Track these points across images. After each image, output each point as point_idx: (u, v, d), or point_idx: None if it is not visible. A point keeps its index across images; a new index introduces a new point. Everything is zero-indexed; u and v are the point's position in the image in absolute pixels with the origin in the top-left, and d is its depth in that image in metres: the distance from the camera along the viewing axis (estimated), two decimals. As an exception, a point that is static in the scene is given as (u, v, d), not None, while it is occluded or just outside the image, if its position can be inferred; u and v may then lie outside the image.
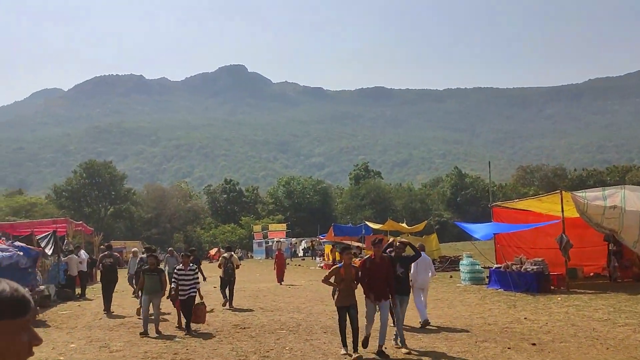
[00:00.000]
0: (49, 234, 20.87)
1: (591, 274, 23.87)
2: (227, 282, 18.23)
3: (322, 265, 40.68)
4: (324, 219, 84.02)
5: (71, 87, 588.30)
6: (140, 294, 13.93)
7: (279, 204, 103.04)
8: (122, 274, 20.99)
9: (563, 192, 20.05)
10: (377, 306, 10.26)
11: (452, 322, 13.55)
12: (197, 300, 13.30)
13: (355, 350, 9.95)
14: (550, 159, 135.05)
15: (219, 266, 18.89)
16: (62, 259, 21.96)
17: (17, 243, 16.90)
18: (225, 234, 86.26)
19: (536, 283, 19.45)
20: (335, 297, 10.49)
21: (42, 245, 19.46)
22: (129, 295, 21.65)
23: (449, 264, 33.13)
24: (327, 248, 42.47)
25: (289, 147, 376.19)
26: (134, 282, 18.54)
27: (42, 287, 17.02)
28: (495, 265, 22.10)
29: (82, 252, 22.58)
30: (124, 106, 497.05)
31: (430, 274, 14.44)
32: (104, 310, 16.94)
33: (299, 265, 46.75)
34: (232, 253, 19.47)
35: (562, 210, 19.79)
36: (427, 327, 12.84)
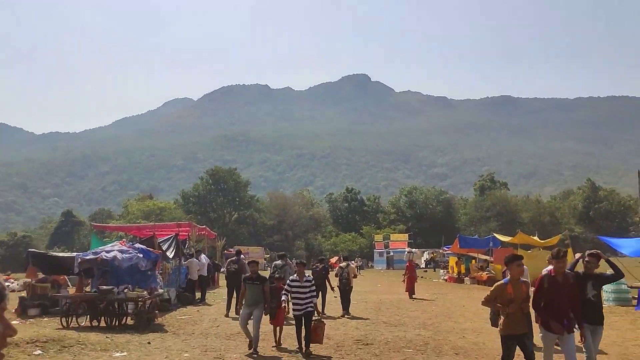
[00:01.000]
0: (170, 237, 20.86)
1: None
2: (343, 291, 18.30)
3: (446, 277, 38.93)
4: (447, 230, 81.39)
5: (200, 96, 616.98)
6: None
7: (400, 213, 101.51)
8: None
9: None
10: (558, 339, 8.00)
11: (604, 348, 11.78)
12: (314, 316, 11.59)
13: None
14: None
15: (335, 275, 19.03)
16: (183, 262, 21.96)
17: (138, 245, 16.87)
18: (346, 243, 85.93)
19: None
20: (501, 323, 7.95)
21: (164, 248, 19.42)
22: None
23: (588, 282, 30.41)
24: (452, 260, 40.59)
25: (411, 157, 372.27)
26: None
27: (161, 290, 16.81)
28: (647, 286, 19.67)
29: (203, 256, 22.50)
30: (250, 115, 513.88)
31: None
32: (225, 314, 17.31)
33: (422, 277, 45.17)
34: (349, 263, 19.61)
35: None
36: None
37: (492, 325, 8.89)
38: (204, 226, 35.76)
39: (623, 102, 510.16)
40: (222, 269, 32.95)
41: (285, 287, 11.68)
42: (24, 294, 18.87)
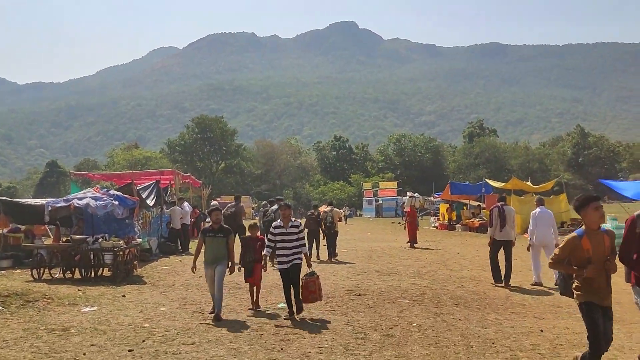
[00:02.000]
0: (151, 184, 19.69)
1: None
2: (328, 235, 18.61)
3: (436, 225, 38.26)
4: (436, 178, 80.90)
5: (186, 45, 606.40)
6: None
7: (389, 161, 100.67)
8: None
9: None
10: None
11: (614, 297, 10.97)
12: (305, 270, 9.62)
13: None
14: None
15: (321, 221, 18.78)
16: (165, 210, 20.96)
17: (113, 192, 15.75)
18: (335, 191, 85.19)
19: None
20: (575, 288, 5.96)
21: (144, 195, 18.31)
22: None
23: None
24: (443, 207, 39.86)
25: (399, 105, 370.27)
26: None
27: (139, 239, 15.80)
28: (648, 231, 18.91)
29: (186, 204, 21.41)
30: (237, 64, 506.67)
31: (552, 231, 12.90)
32: None
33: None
34: (333, 207, 19.67)
35: None
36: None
37: (561, 294, 6.30)
38: (188, 174, 34.63)
39: (612, 49, 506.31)
40: (207, 219, 32.07)
41: (269, 236, 9.60)
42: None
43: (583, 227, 5.94)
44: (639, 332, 8.19)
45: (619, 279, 6.96)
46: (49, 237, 20.39)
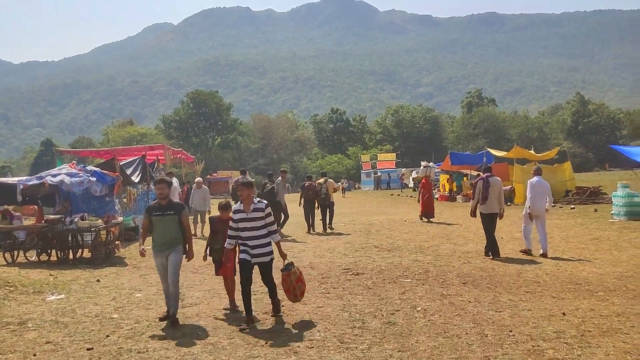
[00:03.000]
0: (135, 160, 18.54)
1: None
2: (323, 206, 18.43)
3: (437, 196, 37.23)
4: (435, 149, 79.87)
5: (180, 20, 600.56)
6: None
7: (387, 133, 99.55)
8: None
9: None
10: None
11: (635, 271, 9.99)
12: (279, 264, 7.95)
13: None
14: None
15: (316, 193, 18.52)
16: (152, 187, 19.88)
17: (90, 168, 14.65)
18: (332, 164, 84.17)
19: None
20: None
21: (129, 172, 17.23)
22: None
23: (588, 196, 28.86)
24: (443, 178, 38.86)
25: (396, 77, 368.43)
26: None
27: (120, 218, 14.71)
28: (662, 198, 17.93)
29: (174, 180, 20.30)
30: (232, 39, 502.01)
31: (547, 201, 12.59)
32: None
33: (411, 196, 43.64)
34: (327, 178, 19.32)
35: None
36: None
37: None
38: (180, 149, 33.45)
39: (609, 16, 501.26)
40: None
41: (230, 223, 7.54)
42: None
43: None
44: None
45: None
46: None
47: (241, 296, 7.31)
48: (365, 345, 6.06)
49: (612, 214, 20.34)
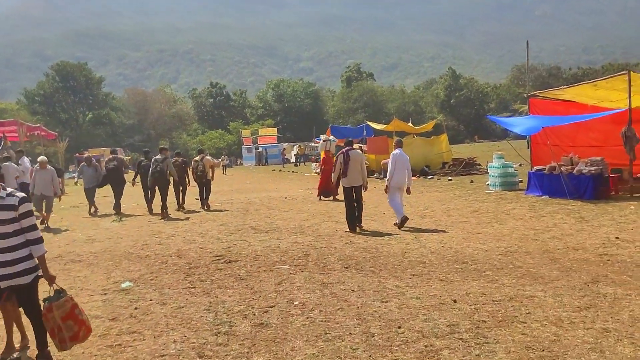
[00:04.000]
0: (-24, 137, 16.41)
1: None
2: (200, 184, 18.25)
3: (318, 171, 36.74)
4: (316, 122, 79.78)
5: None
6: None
7: (268, 108, 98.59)
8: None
9: (632, 73, 15.72)
10: None
11: (519, 245, 9.63)
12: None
13: None
14: (537, 61, 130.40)
15: (193, 171, 18.49)
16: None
17: None
18: (213, 140, 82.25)
19: (592, 188, 15.59)
20: None
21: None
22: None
23: (464, 167, 29.35)
24: (324, 152, 38.37)
25: (277, 52, 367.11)
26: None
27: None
28: (536, 168, 18.11)
29: (25, 160, 18.12)
30: (104, 8, 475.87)
31: (407, 173, 12.52)
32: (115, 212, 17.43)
33: (292, 172, 43.01)
34: (204, 155, 18.88)
35: (630, 96, 15.68)
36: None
37: None
38: (38, 125, 30.67)
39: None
40: (71, 175, 28.68)
41: None
42: None
43: None
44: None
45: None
46: None
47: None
48: (230, 358, 5.04)
49: (487, 184, 20.51)
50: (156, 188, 16.88)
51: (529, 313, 5.89)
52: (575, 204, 14.64)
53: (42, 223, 13.60)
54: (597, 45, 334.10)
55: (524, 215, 13.31)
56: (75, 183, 27.48)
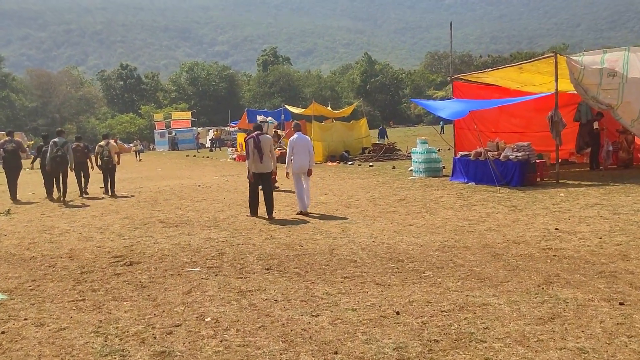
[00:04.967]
0: None
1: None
2: (106, 170, 17.57)
3: (234, 156, 35.38)
4: (231, 107, 78.03)
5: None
6: None
7: (182, 91, 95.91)
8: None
9: (559, 56, 15.29)
10: None
11: (456, 239, 8.78)
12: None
13: None
14: (449, 48, 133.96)
15: (96, 155, 17.87)
16: None
17: None
18: (124, 125, 79.02)
19: (519, 174, 15.12)
20: None
21: None
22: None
23: (384, 153, 28.76)
24: (240, 137, 36.98)
25: (192, 35, 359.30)
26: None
27: None
28: (461, 153, 17.53)
29: None
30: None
31: (309, 157, 12.11)
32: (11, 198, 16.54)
33: (207, 157, 41.40)
34: (109, 140, 18.16)
35: (556, 80, 15.25)
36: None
37: None
38: None
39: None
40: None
41: None
42: None
43: None
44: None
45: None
46: None
47: None
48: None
49: (411, 170, 19.88)
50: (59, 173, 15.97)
51: (487, 328, 4.96)
52: (504, 191, 14.08)
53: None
54: (504, 35, 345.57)
55: (454, 204, 12.58)
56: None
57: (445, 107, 16.88)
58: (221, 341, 4.87)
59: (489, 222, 10.12)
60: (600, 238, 8.40)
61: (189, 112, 71.32)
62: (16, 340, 5.09)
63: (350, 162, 26.91)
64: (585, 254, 7.50)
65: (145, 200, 15.51)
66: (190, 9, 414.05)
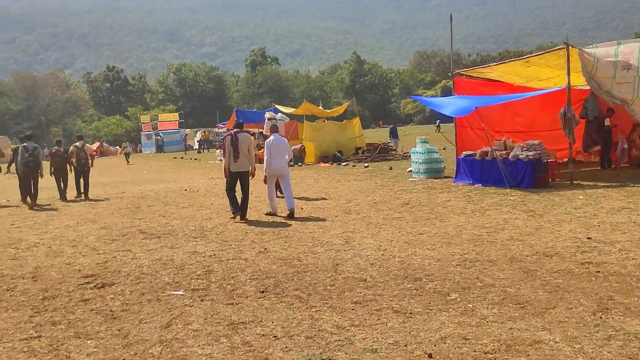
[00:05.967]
0: None
1: (565, 160, 18.31)
2: (81, 172, 17.17)
3: (222, 158, 34.19)
4: (220, 108, 76.86)
5: None
6: None
7: (169, 93, 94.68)
8: None
9: (571, 48, 14.21)
10: None
11: (477, 251, 7.66)
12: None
13: None
14: (436, 47, 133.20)
15: (71, 156, 17.17)
16: None
17: None
18: (111, 127, 77.67)
19: (531, 175, 14.04)
20: None
21: None
22: None
23: (379, 153, 27.68)
24: (229, 138, 35.81)
25: (179, 37, 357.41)
26: None
27: None
28: (465, 153, 16.43)
29: None
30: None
31: (287, 157, 12.05)
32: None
33: (195, 159, 40.16)
34: (84, 142, 17.70)
35: (569, 74, 14.20)
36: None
37: None
38: None
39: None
40: None
41: None
42: None
43: None
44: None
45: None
46: None
47: None
48: None
49: (410, 171, 18.82)
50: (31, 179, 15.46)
51: (551, 378, 3.85)
52: (515, 194, 13.02)
53: None
54: (490, 35, 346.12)
55: (464, 208, 11.48)
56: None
57: (449, 104, 15.76)
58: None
59: (508, 230, 9.02)
60: (642, 248, 7.33)
61: (177, 114, 70.10)
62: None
63: (344, 163, 25.83)
64: (634, 270, 6.41)
65: (127, 207, 14.31)
66: (177, 11, 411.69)
